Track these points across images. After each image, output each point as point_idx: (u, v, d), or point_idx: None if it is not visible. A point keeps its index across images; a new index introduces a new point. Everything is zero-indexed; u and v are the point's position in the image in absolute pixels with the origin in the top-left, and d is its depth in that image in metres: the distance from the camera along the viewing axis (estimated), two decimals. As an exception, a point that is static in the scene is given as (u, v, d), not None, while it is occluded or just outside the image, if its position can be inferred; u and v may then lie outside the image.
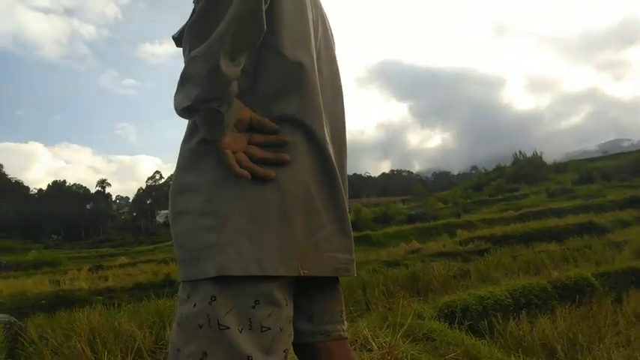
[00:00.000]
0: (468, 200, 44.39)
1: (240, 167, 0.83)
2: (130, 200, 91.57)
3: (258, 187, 0.84)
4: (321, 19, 1.09)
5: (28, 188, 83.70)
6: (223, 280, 0.80)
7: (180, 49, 0.93)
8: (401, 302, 4.75)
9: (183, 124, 0.93)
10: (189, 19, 0.88)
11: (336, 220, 0.93)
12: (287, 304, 0.86)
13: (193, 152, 0.88)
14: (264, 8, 0.79)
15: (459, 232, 20.66)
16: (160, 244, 38.34)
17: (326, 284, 0.99)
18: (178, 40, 0.92)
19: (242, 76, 0.83)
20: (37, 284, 11.24)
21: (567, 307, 4.76)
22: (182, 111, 0.81)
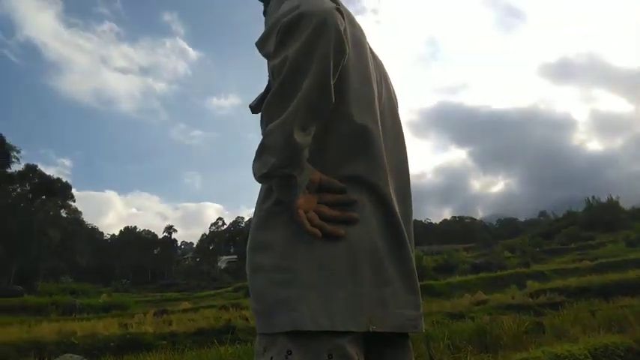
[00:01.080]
0: (537, 249, 41.78)
1: (311, 225, 0.88)
2: (194, 246, 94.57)
3: (328, 244, 0.88)
4: (384, 80, 1.15)
5: (102, 234, 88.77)
6: (298, 335, 0.83)
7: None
8: (468, 358, 4.49)
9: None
10: (266, 93, 0.97)
11: (403, 276, 0.96)
12: (359, 359, 0.87)
13: (268, 213, 0.94)
14: (332, 84, 0.87)
15: (528, 283, 19.35)
16: (221, 289, 38.92)
17: (396, 340, 1.00)
18: (255, 108, 1.02)
19: (312, 141, 0.90)
20: (107, 327, 11.70)
21: (658, 370, 4.28)
22: (260, 177, 0.88)
